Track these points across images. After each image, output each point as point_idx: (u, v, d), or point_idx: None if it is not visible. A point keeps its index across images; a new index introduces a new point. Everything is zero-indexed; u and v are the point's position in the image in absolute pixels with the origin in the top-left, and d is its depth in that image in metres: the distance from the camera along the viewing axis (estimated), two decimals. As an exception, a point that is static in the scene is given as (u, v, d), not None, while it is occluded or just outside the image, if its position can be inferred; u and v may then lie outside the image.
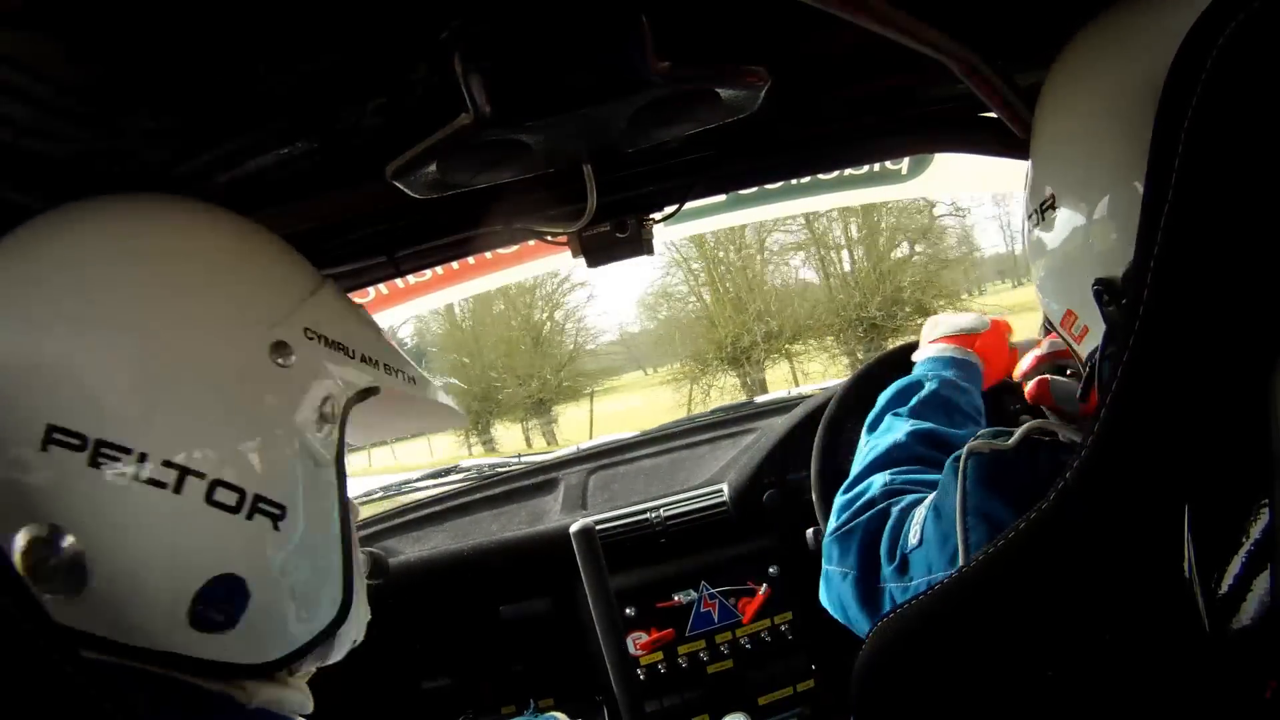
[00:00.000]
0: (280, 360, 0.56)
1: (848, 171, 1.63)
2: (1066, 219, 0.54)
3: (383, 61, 0.62)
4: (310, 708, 0.59)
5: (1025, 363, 0.83)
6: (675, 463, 1.54)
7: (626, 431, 1.69)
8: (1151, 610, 0.37)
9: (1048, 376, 0.74)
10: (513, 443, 13.60)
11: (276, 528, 0.55)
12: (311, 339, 0.59)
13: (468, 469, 1.66)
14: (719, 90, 0.69)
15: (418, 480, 1.69)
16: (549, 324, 13.85)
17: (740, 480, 1.35)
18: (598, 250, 1.01)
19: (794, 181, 1.59)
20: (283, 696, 0.56)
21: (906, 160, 1.59)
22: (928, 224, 12.12)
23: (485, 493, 1.52)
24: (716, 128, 0.76)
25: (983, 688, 0.42)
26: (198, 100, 0.58)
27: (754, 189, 1.62)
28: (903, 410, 0.85)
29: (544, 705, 1.32)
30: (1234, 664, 0.34)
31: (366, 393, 0.63)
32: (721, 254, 12.50)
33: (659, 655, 1.28)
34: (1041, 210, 0.57)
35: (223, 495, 0.52)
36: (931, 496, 0.63)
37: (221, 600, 0.52)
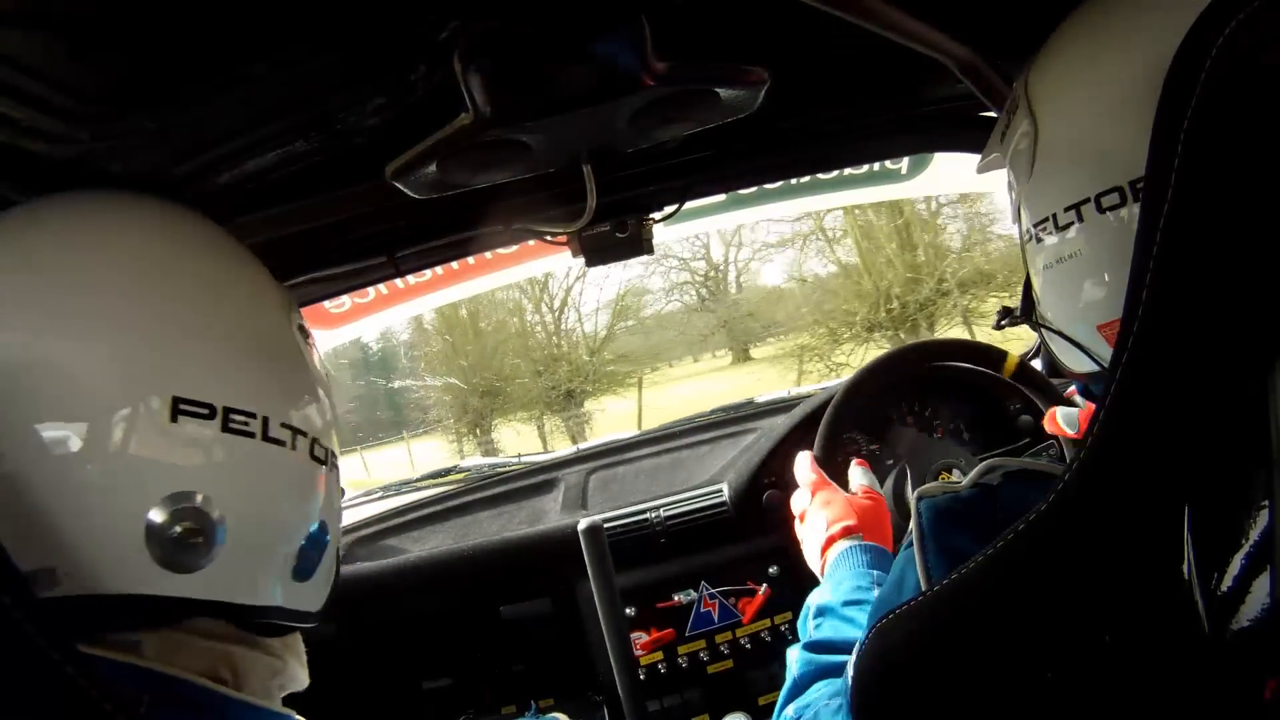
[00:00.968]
0: (310, 343, 0.64)
1: (848, 171, 1.63)
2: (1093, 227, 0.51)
3: (383, 61, 0.62)
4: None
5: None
6: (675, 463, 1.54)
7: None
8: (1151, 611, 0.37)
9: (1056, 409, 0.78)
10: (525, 446, 10.77)
11: (335, 480, 0.63)
12: (304, 332, 0.64)
13: (467, 469, 1.66)
14: (718, 90, 0.69)
15: (417, 480, 1.69)
16: (569, 302, 11.45)
17: (740, 480, 1.35)
18: (597, 250, 1.01)
19: (794, 181, 1.59)
20: (299, 671, 0.60)
21: (906, 160, 1.59)
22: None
23: (485, 493, 1.52)
24: (716, 127, 0.76)
25: (982, 689, 0.42)
26: (197, 100, 0.58)
27: (754, 188, 1.62)
28: (804, 637, 0.80)
29: (544, 705, 1.32)
30: (1233, 665, 0.34)
31: None
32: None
33: (659, 655, 1.28)
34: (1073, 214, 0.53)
35: (318, 451, 0.59)
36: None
37: (311, 549, 0.58)
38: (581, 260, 1.03)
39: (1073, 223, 0.53)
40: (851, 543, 0.90)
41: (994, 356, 1.25)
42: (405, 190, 0.73)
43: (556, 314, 11.63)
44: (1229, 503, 0.34)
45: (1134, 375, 0.35)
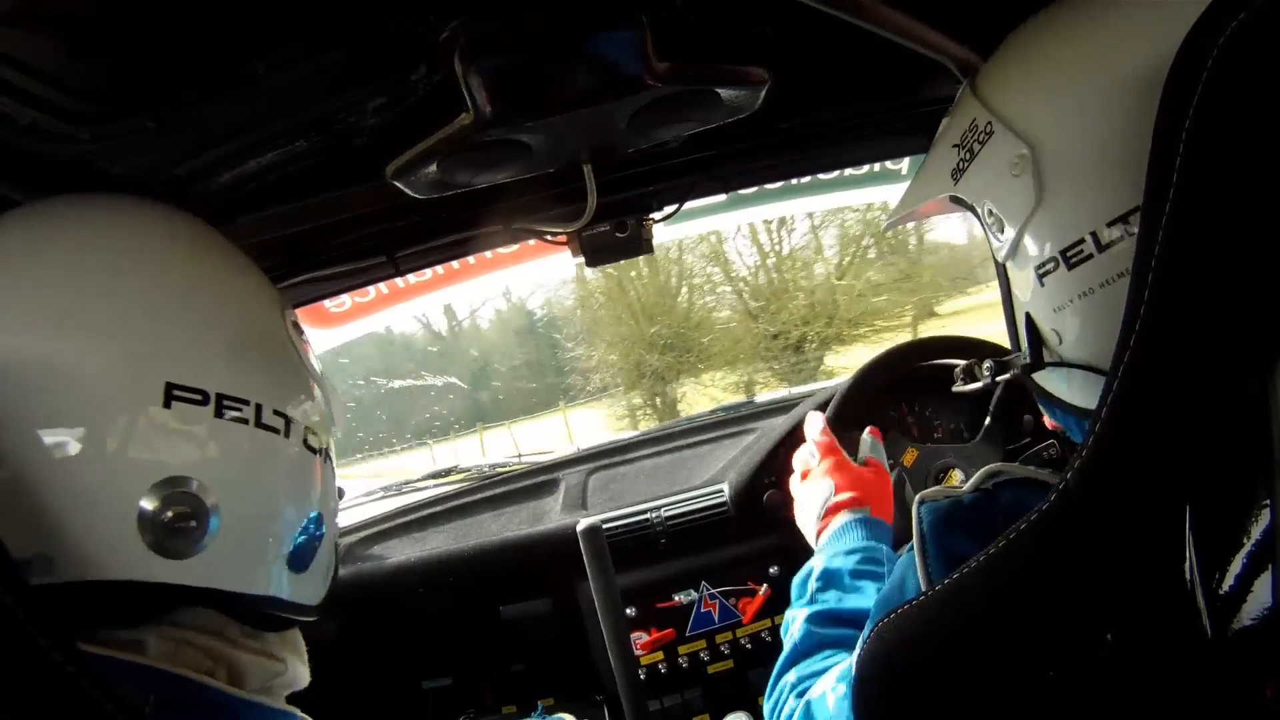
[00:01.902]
0: (304, 339, 0.64)
1: (848, 171, 1.63)
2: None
3: (383, 61, 0.62)
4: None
5: None
6: (675, 463, 1.54)
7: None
8: (1153, 611, 0.37)
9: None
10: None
11: (330, 472, 0.63)
12: (298, 329, 0.65)
13: (468, 469, 1.66)
14: (719, 90, 0.69)
15: (418, 480, 1.69)
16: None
17: (740, 480, 1.35)
18: (598, 250, 1.01)
19: (794, 181, 1.59)
20: (301, 670, 0.60)
21: (906, 160, 1.59)
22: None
23: (485, 493, 1.52)
24: (716, 127, 0.76)
25: (984, 688, 0.42)
26: (198, 100, 0.58)
27: (754, 189, 1.62)
28: (803, 600, 0.80)
29: (545, 705, 1.32)
30: (1234, 664, 0.34)
31: None
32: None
33: (659, 655, 1.28)
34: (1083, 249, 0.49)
35: (313, 440, 0.59)
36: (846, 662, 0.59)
37: (306, 539, 0.58)
38: (582, 260, 1.03)
39: (1121, 237, 0.47)
40: (859, 514, 0.89)
41: (988, 352, 1.24)
42: (405, 190, 0.73)
43: (776, 246, 9.10)
44: (1230, 502, 0.34)
45: (1135, 375, 0.35)
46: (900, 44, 0.68)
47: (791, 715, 0.68)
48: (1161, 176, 0.35)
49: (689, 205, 1.04)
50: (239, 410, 0.53)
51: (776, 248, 9.27)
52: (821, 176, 1.59)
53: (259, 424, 0.54)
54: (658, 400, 9.27)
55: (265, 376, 0.56)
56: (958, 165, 0.60)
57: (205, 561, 0.51)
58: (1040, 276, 0.54)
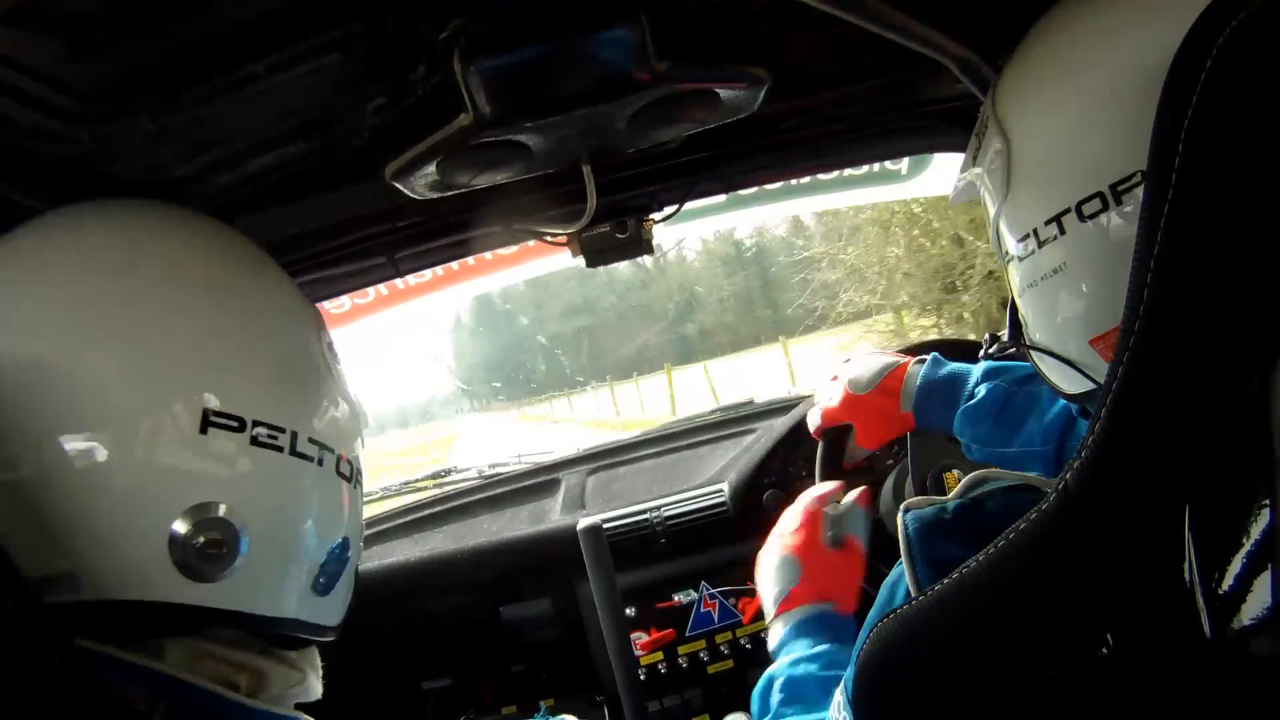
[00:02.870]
0: (338, 365, 0.64)
1: (848, 171, 1.63)
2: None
3: (383, 61, 0.62)
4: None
5: None
6: (675, 463, 1.54)
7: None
8: (1152, 611, 0.37)
9: None
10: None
11: (360, 496, 0.63)
12: (332, 350, 0.64)
13: (467, 469, 1.66)
14: (718, 90, 0.69)
15: (418, 480, 1.69)
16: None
17: (740, 480, 1.35)
18: (598, 251, 1.01)
19: (794, 182, 1.59)
20: (315, 684, 0.61)
21: (906, 160, 1.59)
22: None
23: (485, 493, 1.52)
24: (716, 127, 0.76)
25: (984, 687, 0.42)
26: (197, 101, 0.58)
27: (754, 189, 1.62)
28: (767, 716, 0.73)
29: (548, 705, 1.32)
30: (1235, 664, 0.34)
31: None
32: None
33: (659, 655, 1.28)
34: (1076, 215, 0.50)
35: (344, 468, 0.59)
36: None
37: (333, 564, 0.59)
38: (582, 260, 1.03)
39: (1055, 236, 0.51)
40: (819, 609, 0.82)
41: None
42: (405, 190, 0.73)
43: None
44: (1230, 502, 0.34)
45: (1135, 374, 0.35)
46: (901, 44, 0.68)
47: None
48: (1161, 175, 0.35)
49: (689, 205, 1.04)
50: (275, 438, 0.52)
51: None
52: (821, 177, 1.59)
53: (294, 452, 0.54)
54: (941, 307, 8.20)
55: (302, 402, 0.56)
56: (972, 153, 0.63)
57: (232, 585, 0.50)
58: (1005, 266, 0.59)
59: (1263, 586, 0.32)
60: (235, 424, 0.50)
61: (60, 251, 0.52)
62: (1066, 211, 0.50)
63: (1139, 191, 0.45)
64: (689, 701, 1.27)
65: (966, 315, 8.15)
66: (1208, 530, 0.35)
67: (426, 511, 1.50)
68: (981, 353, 0.68)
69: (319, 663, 0.62)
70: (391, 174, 0.69)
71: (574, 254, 1.03)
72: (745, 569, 1.32)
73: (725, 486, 1.36)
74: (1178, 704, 0.37)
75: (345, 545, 0.60)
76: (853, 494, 0.94)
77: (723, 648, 1.29)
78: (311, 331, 0.61)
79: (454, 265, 1.76)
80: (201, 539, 0.48)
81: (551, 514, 1.45)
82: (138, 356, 0.49)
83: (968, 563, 0.42)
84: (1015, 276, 0.58)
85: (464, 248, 1.03)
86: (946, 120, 0.97)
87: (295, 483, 0.54)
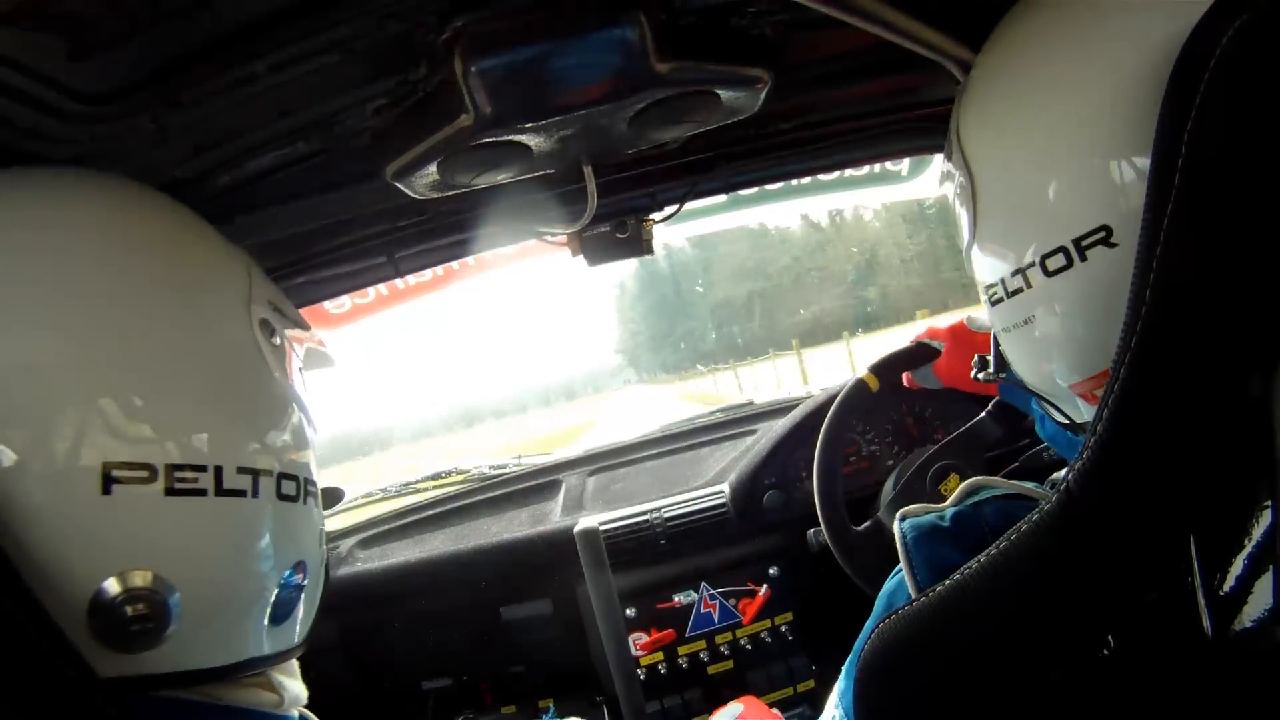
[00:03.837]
0: (274, 340, 0.53)
1: (848, 172, 1.63)
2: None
3: (383, 61, 0.62)
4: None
5: None
6: (675, 464, 1.54)
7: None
8: (1154, 612, 0.37)
9: None
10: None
11: (313, 506, 0.54)
12: (276, 311, 0.55)
13: (468, 470, 1.66)
14: (719, 91, 0.69)
15: (418, 482, 1.69)
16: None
17: (740, 481, 1.35)
18: (597, 250, 1.01)
19: (794, 182, 1.59)
20: (298, 689, 0.56)
21: (907, 161, 1.59)
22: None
23: (486, 495, 1.52)
24: (717, 128, 0.76)
25: (987, 688, 0.42)
26: (198, 101, 0.58)
27: (754, 189, 1.62)
28: None
29: (544, 706, 1.32)
30: (1236, 665, 0.34)
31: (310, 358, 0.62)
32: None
33: (659, 656, 1.28)
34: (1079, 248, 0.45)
35: (287, 487, 0.50)
36: None
37: (293, 588, 0.51)
38: (582, 260, 1.03)
39: (1021, 288, 0.49)
40: None
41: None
42: (405, 190, 0.73)
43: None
44: (1231, 503, 0.34)
45: (1136, 376, 0.35)
46: (900, 44, 0.68)
47: None
48: (1164, 177, 0.35)
49: (689, 205, 1.04)
50: (196, 480, 0.44)
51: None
52: (821, 177, 1.59)
53: (221, 491, 0.45)
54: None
55: (226, 425, 0.46)
56: (944, 173, 0.61)
57: (172, 648, 0.44)
58: (982, 298, 0.56)
59: (1264, 587, 0.32)
60: (143, 474, 0.42)
61: None
62: (1031, 266, 0.48)
63: (1103, 249, 0.44)
64: (689, 702, 1.27)
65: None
66: (1209, 531, 0.35)
67: (427, 513, 1.50)
68: (971, 375, 0.66)
69: (296, 667, 0.57)
70: (392, 174, 0.69)
71: (574, 253, 1.03)
72: (745, 569, 1.32)
73: (726, 488, 1.36)
74: (1179, 705, 0.37)
75: (301, 567, 0.52)
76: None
77: (723, 648, 1.29)
78: (238, 313, 0.50)
79: (454, 265, 1.76)
80: (127, 611, 0.41)
81: (552, 515, 1.45)
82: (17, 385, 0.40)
83: (969, 564, 0.42)
84: (992, 315, 0.56)
85: (464, 248, 1.03)
86: (946, 120, 0.97)
87: (228, 525, 0.46)
